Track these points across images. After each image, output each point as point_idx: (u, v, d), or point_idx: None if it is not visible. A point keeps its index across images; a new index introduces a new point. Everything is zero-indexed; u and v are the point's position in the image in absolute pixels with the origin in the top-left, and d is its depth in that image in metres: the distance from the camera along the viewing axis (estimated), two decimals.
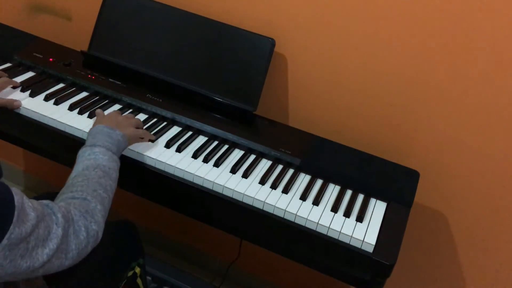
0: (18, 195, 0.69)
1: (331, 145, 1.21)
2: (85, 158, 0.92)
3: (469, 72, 1.14)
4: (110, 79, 1.28)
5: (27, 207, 0.70)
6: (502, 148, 1.19)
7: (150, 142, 1.13)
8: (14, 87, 1.22)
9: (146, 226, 1.80)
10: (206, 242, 1.78)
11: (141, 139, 1.11)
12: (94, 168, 0.90)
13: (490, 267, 1.35)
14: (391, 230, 1.02)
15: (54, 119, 1.13)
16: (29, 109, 1.15)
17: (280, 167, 1.15)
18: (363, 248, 0.97)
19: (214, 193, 1.05)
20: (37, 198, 1.25)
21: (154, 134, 1.15)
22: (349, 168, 1.15)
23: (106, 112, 1.15)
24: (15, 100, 1.16)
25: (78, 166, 0.92)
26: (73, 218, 0.79)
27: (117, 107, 1.23)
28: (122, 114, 1.15)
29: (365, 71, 1.24)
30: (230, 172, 1.09)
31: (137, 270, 1.16)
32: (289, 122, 1.38)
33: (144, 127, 1.17)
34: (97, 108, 1.18)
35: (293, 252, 1.07)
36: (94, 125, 1.04)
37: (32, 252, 0.70)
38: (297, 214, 1.01)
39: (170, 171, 1.07)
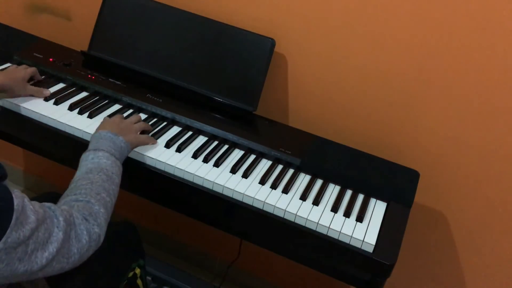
0: (18, 198, 0.69)
1: (331, 145, 1.21)
2: (88, 162, 0.93)
3: (469, 72, 1.14)
4: (110, 79, 1.28)
5: (28, 210, 0.69)
6: (502, 148, 1.19)
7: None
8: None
9: (146, 226, 1.80)
10: (206, 242, 1.78)
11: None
12: (98, 171, 0.90)
13: (490, 266, 1.35)
14: (391, 230, 1.01)
15: (54, 119, 1.13)
16: (29, 109, 1.15)
17: (280, 167, 1.15)
18: (363, 248, 0.97)
19: (214, 193, 1.05)
20: (38, 198, 1.26)
21: (154, 134, 1.15)
22: (349, 168, 1.15)
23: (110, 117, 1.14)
24: (44, 89, 1.20)
25: (82, 169, 0.92)
26: (75, 221, 0.78)
27: (117, 107, 1.23)
28: (126, 116, 1.15)
29: (365, 71, 1.24)
30: (230, 172, 1.09)
31: (137, 271, 1.16)
32: (289, 122, 1.38)
33: None
34: (97, 108, 1.19)
35: (293, 252, 1.07)
36: (97, 129, 1.04)
37: (31, 255, 0.69)
38: (297, 214, 1.01)
39: (170, 171, 1.07)
